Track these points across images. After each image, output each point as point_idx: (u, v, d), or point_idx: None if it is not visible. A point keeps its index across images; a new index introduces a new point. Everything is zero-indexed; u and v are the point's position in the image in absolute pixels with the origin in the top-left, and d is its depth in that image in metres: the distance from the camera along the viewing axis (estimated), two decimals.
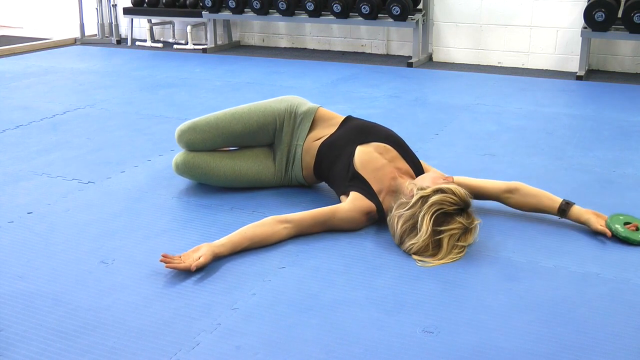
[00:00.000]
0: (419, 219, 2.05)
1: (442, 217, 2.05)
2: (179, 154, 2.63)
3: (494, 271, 2.02)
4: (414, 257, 2.07)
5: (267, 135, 2.61)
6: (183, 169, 2.61)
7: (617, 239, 2.21)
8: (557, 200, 2.32)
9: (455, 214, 2.06)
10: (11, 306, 1.84)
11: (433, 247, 2.06)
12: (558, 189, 2.70)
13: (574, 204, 2.31)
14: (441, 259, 2.04)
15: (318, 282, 1.96)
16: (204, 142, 2.58)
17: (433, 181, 2.17)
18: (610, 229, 2.20)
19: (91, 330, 1.72)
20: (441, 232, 2.04)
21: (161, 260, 1.98)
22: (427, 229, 2.03)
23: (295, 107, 2.61)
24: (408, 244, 2.08)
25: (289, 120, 2.58)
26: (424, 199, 2.06)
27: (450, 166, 2.97)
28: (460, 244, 2.07)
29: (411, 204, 2.08)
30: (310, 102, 2.68)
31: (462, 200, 2.06)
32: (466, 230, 2.08)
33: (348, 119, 2.59)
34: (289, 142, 2.58)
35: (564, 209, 2.29)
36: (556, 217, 2.40)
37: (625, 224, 2.23)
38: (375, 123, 2.57)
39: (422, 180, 2.21)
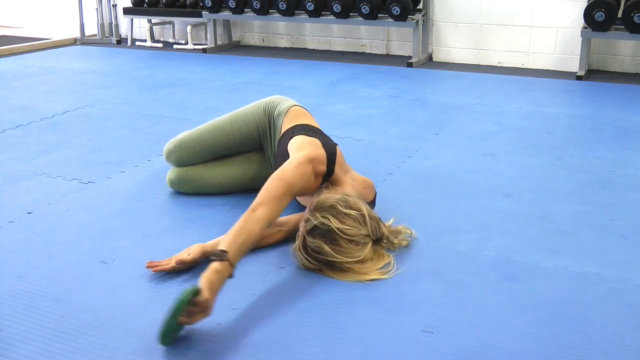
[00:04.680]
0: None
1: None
2: (171, 170, 2.63)
3: (494, 271, 2.02)
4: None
5: (253, 141, 2.59)
6: (178, 185, 2.62)
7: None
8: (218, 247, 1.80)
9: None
10: (11, 306, 1.84)
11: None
12: (558, 189, 2.70)
13: (220, 259, 1.74)
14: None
15: (318, 282, 1.96)
16: (191, 158, 2.59)
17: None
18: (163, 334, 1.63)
19: (91, 330, 1.72)
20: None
21: (147, 266, 1.99)
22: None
23: (269, 109, 2.56)
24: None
25: (270, 125, 2.56)
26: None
27: (450, 166, 2.98)
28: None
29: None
30: (288, 101, 2.59)
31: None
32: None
33: (283, 135, 2.44)
34: (273, 144, 2.56)
35: (210, 260, 1.77)
36: (558, 218, 2.41)
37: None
38: (281, 147, 2.36)
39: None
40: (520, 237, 2.25)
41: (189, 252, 2.02)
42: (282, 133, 2.43)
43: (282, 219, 2.23)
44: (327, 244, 1.94)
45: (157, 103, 4.23)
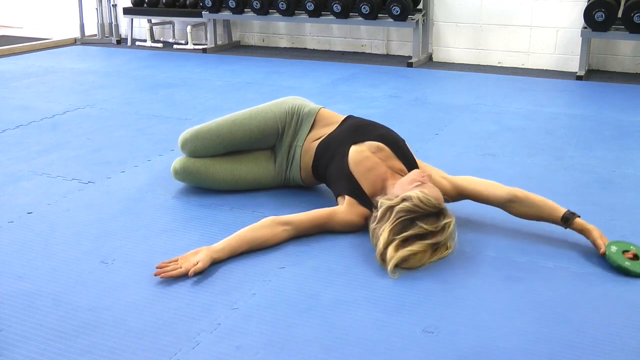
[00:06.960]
0: (380, 231, 2.02)
1: (402, 225, 1.99)
2: (177, 160, 2.63)
3: (494, 271, 2.02)
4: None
5: (269, 139, 2.60)
6: (182, 175, 2.61)
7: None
8: (559, 210, 2.17)
9: (418, 219, 2.00)
10: (11, 306, 1.84)
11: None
12: (558, 189, 2.70)
13: (579, 216, 2.16)
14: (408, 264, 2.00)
15: (318, 282, 1.96)
16: (206, 149, 2.58)
17: (403, 187, 2.11)
18: (609, 256, 2.04)
19: (91, 330, 1.72)
20: (403, 240, 1.99)
21: (155, 274, 1.97)
22: (385, 241, 1.99)
23: (296, 109, 2.60)
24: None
25: (290, 123, 2.58)
26: (389, 210, 2.04)
27: (450, 166, 2.97)
28: (428, 242, 2.01)
29: (378, 217, 2.06)
30: (312, 103, 2.67)
31: (427, 206, 2.00)
32: (431, 235, 2.01)
33: (348, 117, 2.58)
34: (290, 143, 2.58)
35: (567, 218, 2.15)
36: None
37: (624, 251, 2.04)
38: (373, 122, 2.55)
39: (397, 187, 2.16)
40: (520, 237, 2.25)
41: (197, 260, 2.00)
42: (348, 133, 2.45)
43: (287, 218, 2.22)
44: (440, 218, 2.03)
45: (157, 103, 4.23)
